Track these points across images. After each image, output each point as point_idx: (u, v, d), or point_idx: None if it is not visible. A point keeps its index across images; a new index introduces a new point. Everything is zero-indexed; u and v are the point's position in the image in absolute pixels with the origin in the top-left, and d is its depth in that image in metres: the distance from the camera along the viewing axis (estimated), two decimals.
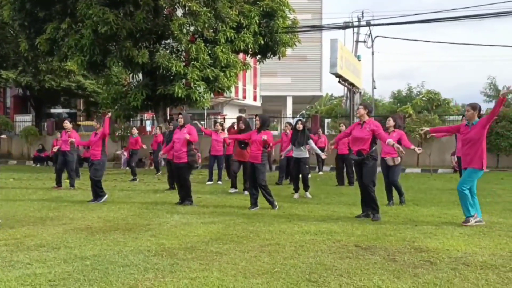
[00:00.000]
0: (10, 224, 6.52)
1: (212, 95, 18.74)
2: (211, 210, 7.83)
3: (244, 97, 33.38)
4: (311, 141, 9.35)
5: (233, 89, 20.98)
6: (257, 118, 8.08)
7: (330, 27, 20.41)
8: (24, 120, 27.47)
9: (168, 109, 18.72)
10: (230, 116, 27.93)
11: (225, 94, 24.15)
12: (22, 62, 24.33)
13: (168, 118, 18.65)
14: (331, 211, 7.63)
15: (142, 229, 6.13)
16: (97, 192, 8.91)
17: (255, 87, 35.51)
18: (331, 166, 17.08)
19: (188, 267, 4.35)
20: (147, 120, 26.66)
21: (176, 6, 15.63)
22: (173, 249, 5.05)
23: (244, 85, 33.10)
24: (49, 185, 11.75)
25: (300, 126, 9.30)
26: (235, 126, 11.58)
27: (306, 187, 9.48)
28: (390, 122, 8.26)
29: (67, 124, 11.00)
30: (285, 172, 12.34)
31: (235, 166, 10.31)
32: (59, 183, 11.37)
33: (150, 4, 14.93)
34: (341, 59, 18.70)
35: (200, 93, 16.41)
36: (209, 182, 12.38)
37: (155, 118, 20.26)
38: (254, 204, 7.92)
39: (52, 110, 32.73)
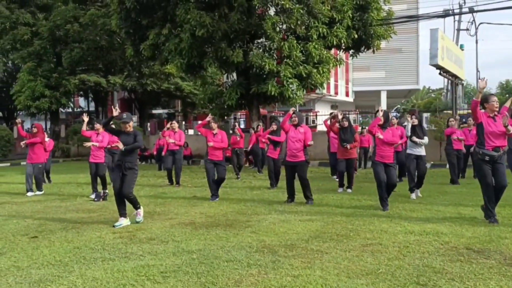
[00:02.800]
0: None
1: (304, 92, 18.69)
2: (308, 208, 7.81)
3: (336, 93, 32.88)
4: (425, 138, 8.86)
5: (325, 85, 20.72)
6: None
7: (429, 16, 19.23)
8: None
9: (260, 107, 18.98)
10: (322, 112, 27.64)
11: (317, 91, 23.97)
12: (127, 67, 26.21)
13: (261, 116, 18.98)
14: (435, 211, 7.22)
15: (242, 225, 6.29)
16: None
17: (347, 83, 34.83)
18: (432, 163, 16.20)
19: (290, 265, 4.37)
20: (240, 119, 27.34)
21: (268, 5, 15.80)
22: (274, 246, 5.10)
23: (336, 80, 32.59)
24: (154, 182, 12.52)
25: (415, 121, 8.86)
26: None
27: (420, 185, 8.95)
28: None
29: (175, 124, 11.67)
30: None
31: (342, 166, 10.08)
32: (170, 180, 11.64)
33: (244, 5, 15.25)
34: (442, 49, 17.65)
35: (292, 90, 16.42)
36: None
37: (249, 116, 20.69)
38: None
39: (154, 111, 34.99)
